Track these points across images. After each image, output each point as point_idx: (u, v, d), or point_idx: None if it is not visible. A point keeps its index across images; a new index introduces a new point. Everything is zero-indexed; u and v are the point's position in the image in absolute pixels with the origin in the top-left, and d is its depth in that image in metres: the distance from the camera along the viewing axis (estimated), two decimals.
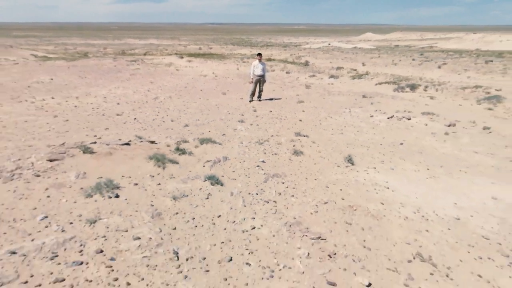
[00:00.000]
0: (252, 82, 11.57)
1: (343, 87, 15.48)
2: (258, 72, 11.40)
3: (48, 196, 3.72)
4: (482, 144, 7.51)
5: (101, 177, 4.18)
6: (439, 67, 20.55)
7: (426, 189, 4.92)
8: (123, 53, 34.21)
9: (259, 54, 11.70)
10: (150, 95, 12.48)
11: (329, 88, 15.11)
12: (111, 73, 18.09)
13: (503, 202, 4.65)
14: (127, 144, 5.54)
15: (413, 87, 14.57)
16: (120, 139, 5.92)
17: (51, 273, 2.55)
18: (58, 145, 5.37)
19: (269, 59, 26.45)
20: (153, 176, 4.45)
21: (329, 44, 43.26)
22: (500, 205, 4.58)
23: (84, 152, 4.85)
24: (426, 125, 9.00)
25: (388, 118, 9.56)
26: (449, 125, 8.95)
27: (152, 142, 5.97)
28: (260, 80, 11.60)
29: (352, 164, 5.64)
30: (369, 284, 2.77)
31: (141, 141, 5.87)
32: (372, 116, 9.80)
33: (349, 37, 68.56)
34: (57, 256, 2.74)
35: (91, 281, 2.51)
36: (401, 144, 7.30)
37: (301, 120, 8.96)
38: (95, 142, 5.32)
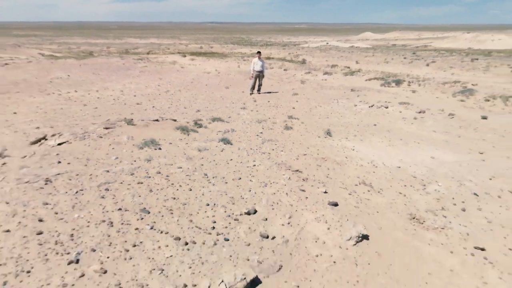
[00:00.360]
0: (252, 77, 13.38)
1: (336, 82, 17.31)
2: (258, 68, 13.21)
3: (113, 148, 5.53)
4: (442, 126, 9.33)
5: (145, 139, 5.99)
6: (427, 65, 22.40)
7: (383, 152, 6.74)
8: (127, 52, 36.01)
9: (259, 52, 13.53)
10: (161, 89, 14.30)
11: (322, 83, 16.93)
12: (122, 71, 19.91)
13: (437, 160, 6.47)
14: (156, 120, 7.36)
15: (398, 82, 16.39)
16: (149, 118, 7.74)
17: (133, 180, 4.36)
18: (105, 120, 7.19)
19: (268, 58, 28.28)
20: (181, 139, 6.26)
21: (327, 43, 45.17)
22: (434, 161, 6.39)
23: (128, 124, 6.67)
24: (400, 112, 10.81)
25: (369, 107, 11.38)
26: (419, 112, 10.77)
27: (174, 120, 7.78)
28: (260, 75, 13.41)
29: (330, 136, 7.46)
30: (326, 192, 4.57)
31: (166, 119, 7.69)
32: (356, 105, 11.62)
33: (349, 37, 70.46)
34: (133, 174, 4.55)
35: (158, 184, 4.31)
36: (375, 125, 9.11)
37: (294, 108, 10.77)
38: (132, 119, 7.14)
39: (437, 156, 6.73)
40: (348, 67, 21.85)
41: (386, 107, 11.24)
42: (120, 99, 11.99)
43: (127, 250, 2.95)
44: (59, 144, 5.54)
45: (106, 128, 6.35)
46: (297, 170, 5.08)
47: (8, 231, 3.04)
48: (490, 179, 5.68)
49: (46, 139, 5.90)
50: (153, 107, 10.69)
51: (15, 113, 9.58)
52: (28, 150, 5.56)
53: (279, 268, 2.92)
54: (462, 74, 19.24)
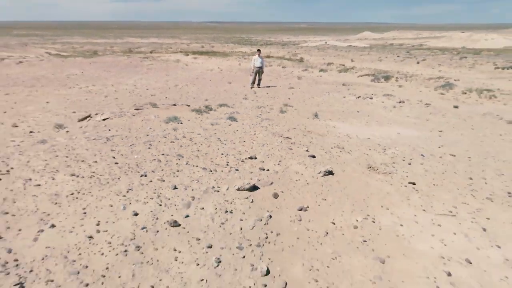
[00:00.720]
0: (253, 72, 15.16)
1: (330, 78, 19.10)
2: (258, 64, 14.99)
3: (145, 122, 7.30)
4: (416, 113, 11.10)
5: (168, 116, 7.75)
6: (418, 62, 24.20)
7: (358, 129, 8.51)
8: (131, 51, 37.81)
9: (259, 50, 15.33)
10: (170, 84, 16.08)
11: (317, 79, 18.73)
12: (130, 68, 21.71)
13: (401, 135, 8.24)
14: (174, 105, 9.13)
15: (387, 78, 18.19)
16: (168, 103, 9.51)
17: (167, 140, 6.12)
18: (133, 105, 8.96)
19: (268, 56, 30.08)
20: (196, 117, 8.03)
21: (326, 42, 47.03)
22: (399, 136, 8.16)
23: (153, 107, 8.45)
24: (383, 102, 12.58)
25: (356, 98, 13.17)
26: (399, 102, 12.54)
27: (188, 105, 9.55)
28: (259, 71, 15.18)
29: (317, 117, 9.24)
30: (307, 150, 6.33)
31: (182, 105, 9.46)
32: (344, 97, 13.39)
33: (348, 36, 72.32)
34: (165, 137, 6.31)
35: (185, 143, 6.08)
36: (357, 112, 10.88)
37: (289, 99, 12.55)
38: (155, 103, 8.91)
39: (402, 132, 8.50)
40: (343, 65, 23.64)
41: (371, 98, 13.02)
42: (135, 92, 13.76)
43: (174, 172, 4.72)
44: (104, 119, 7.31)
45: (136, 109, 8.12)
46: (287, 137, 6.85)
47: (95, 161, 4.81)
48: (439, 147, 7.45)
49: (91, 117, 7.67)
50: (166, 97, 12.45)
51: (47, 102, 11.36)
52: (79, 124, 7.34)
53: (271, 183, 4.68)
54: (449, 71, 21.03)
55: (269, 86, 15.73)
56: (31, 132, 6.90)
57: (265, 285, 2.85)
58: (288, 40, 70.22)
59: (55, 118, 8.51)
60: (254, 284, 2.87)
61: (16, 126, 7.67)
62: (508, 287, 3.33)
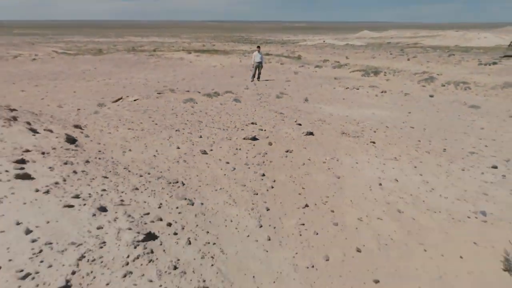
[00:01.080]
0: (253, 67, 17.21)
1: (324, 73, 21.17)
2: (258, 59, 17.05)
3: (168, 102, 9.34)
4: (394, 100, 13.15)
5: (185, 99, 9.79)
6: (408, 59, 26.30)
7: (341, 110, 10.56)
8: (134, 50, 39.90)
9: (258, 47, 17.40)
10: (178, 78, 18.16)
11: (312, 74, 20.81)
12: (138, 65, 23.80)
13: (375, 114, 10.28)
14: (188, 91, 11.18)
15: (376, 73, 20.26)
16: (182, 90, 11.56)
17: (188, 113, 8.18)
18: (154, 90, 11.01)
19: (267, 54, 32.14)
20: (208, 100, 10.09)
21: (324, 41, 49.18)
22: (373, 115, 10.21)
23: (171, 92, 10.50)
24: (367, 92, 14.65)
25: (345, 88, 15.23)
26: (381, 92, 14.60)
27: (199, 92, 11.60)
28: (259, 66, 17.24)
29: (307, 101, 11.30)
30: (296, 121, 8.37)
31: (194, 91, 11.52)
32: (334, 88, 15.46)
33: (347, 35, 74.47)
34: (186, 111, 8.36)
35: (202, 115, 8.13)
36: (343, 99, 12.94)
37: (285, 89, 14.61)
38: (173, 89, 10.96)
39: (377, 113, 10.56)
40: (338, 62, 25.72)
41: (357, 89, 15.09)
42: (148, 84, 15.82)
43: (197, 130, 6.77)
44: (134, 100, 9.36)
45: (158, 93, 10.18)
46: (281, 113, 8.91)
47: (141, 122, 6.85)
48: (403, 122, 9.51)
49: (123, 99, 9.72)
50: (177, 88, 14.51)
51: (74, 92, 13.43)
52: (115, 104, 9.38)
53: (267, 137, 6.72)
54: (435, 67, 23.10)
55: (268, 80, 17.78)
56: (78, 109, 8.94)
57: (262, 179, 4.90)
58: (287, 39, 72.40)
59: (88, 102, 10.55)
60: (255, 179, 4.91)
61: (62, 107, 9.73)
62: (417, 191, 5.36)
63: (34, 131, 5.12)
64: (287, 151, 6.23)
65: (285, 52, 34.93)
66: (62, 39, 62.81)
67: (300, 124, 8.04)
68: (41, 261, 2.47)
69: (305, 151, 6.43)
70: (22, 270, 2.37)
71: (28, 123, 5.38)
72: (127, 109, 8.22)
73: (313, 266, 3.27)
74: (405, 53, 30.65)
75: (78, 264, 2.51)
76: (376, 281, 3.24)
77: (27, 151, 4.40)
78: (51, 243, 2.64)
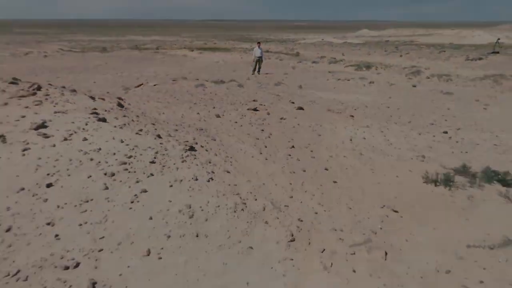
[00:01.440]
0: (254, 61, 19.17)
1: (320, 68, 23.15)
2: (258, 54, 19.01)
3: (183, 87, 11.29)
4: (380, 88, 15.10)
5: (196, 84, 11.74)
6: (401, 56, 28.28)
7: (330, 95, 12.51)
8: (137, 48, 41.89)
9: (259, 43, 19.37)
10: (184, 71, 20.11)
11: (309, 68, 22.79)
12: (145, 61, 25.77)
13: (359, 98, 12.22)
14: (197, 79, 13.14)
15: (368, 67, 22.22)
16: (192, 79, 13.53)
17: (199, 93, 10.13)
18: (169, 78, 12.98)
19: (267, 51, 34.13)
20: (215, 85, 12.04)
21: (322, 39, 51.21)
22: (357, 99, 12.15)
23: (183, 79, 12.46)
24: (357, 82, 16.60)
25: (337, 80, 17.19)
26: (369, 82, 16.55)
27: (206, 80, 13.55)
28: (259, 60, 19.20)
29: (301, 88, 13.25)
30: (290, 100, 10.32)
31: (202, 80, 13.47)
32: (328, 79, 17.43)
33: (347, 33, 76.51)
34: (199, 93, 10.31)
35: (212, 95, 10.08)
36: (334, 87, 14.89)
37: (283, 80, 16.57)
38: (186, 77, 12.91)
39: (361, 98, 12.51)
40: (334, 58, 27.70)
41: (348, 80, 17.06)
42: (158, 77, 17.77)
43: (211, 104, 8.72)
44: (154, 85, 11.31)
45: (173, 80, 12.13)
46: (278, 95, 10.87)
47: (165, 98, 8.80)
48: (381, 104, 11.45)
49: (143, 84, 11.66)
50: (186, 78, 16.46)
51: (94, 82, 15.39)
52: (138, 88, 11.32)
53: (265, 110, 8.67)
54: (425, 62, 25.07)
55: (267, 73, 19.73)
56: (108, 92, 10.88)
57: (261, 132, 6.83)
58: (287, 37, 74.49)
59: (113, 88, 12.49)
60: (257, 132, 6.86)
61: (90, 91, 11.67)
62: (378, 145, 7.29)
63: (93, 98, 7.06)
64: (281, 118, 8.17)
65: (284, 50, 36.92)
66: (65, 38, 64.80)
67: (293, 103, 9.99)
68: (135, 152, 4.42)
69: (295, 119, 8.37)
70: (126, 155, 4.32)
71: (85, 94, 7.33)
72: (151, 90, 10.17)
73: (294, 172, 5.20)
74: (399, 50, 32.64)
75: (156, 155, 4.46)
76: (335, 182, 5.18)
77: (95, 109, 6.34)
78: (137, 146, 4.60)
